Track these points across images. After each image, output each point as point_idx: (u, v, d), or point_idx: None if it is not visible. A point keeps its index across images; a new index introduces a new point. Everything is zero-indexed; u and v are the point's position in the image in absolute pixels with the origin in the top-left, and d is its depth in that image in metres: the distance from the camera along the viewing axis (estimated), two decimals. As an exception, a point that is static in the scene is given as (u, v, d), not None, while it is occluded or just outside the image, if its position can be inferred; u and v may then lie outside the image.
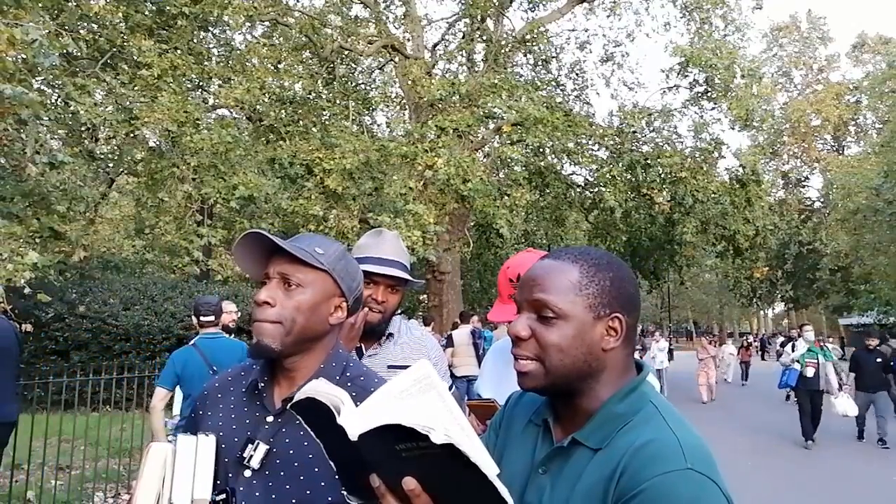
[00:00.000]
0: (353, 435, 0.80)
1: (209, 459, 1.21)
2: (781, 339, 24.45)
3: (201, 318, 4.28)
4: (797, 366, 9.06)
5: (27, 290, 6.37)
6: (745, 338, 24.43)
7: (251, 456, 1.21)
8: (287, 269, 1.25)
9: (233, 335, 5.23)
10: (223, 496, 1.19)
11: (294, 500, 1.20)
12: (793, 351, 9.23)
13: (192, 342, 4.27)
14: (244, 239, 1.27)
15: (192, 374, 4.01)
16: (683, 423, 0.95)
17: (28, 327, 6.75)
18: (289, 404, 0.92)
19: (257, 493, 1.20)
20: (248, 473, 1.22)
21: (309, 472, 1.20)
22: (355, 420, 0.81)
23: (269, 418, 1.26)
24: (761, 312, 54.38)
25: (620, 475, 0.88)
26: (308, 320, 1.25)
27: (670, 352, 21.05)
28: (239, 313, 5.67)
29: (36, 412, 6.09)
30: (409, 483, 0.83)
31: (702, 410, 12.95)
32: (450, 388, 2.16)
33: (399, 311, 2.10)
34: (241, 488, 1.21)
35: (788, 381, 9.20)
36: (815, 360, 8.98)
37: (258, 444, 1.22)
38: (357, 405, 0.86)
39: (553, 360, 0.97)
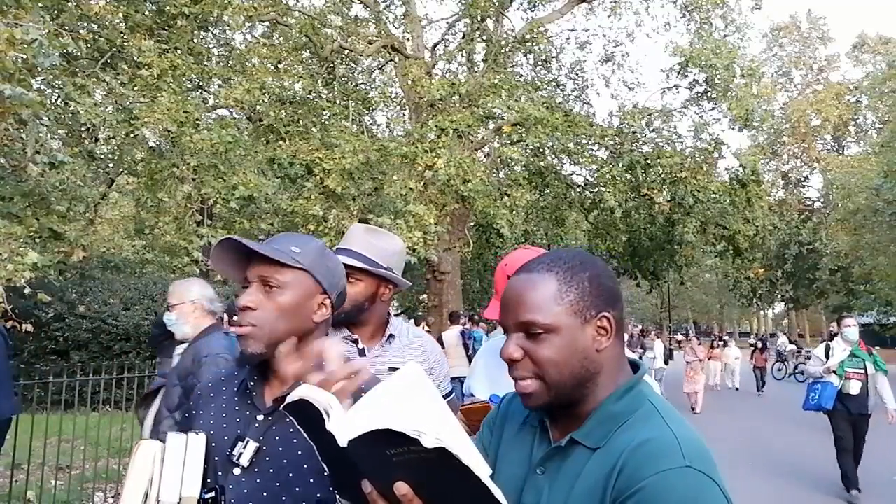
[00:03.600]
0: (343, 441, 0.79)
1: (198, 458, 1.22)
2: (782, 339, 24.09)
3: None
4: (834, 378, 6.16)
5: (27, 290, 6.37)
6: (758, 339, 20.79)
7: (241, 454, 1.21)
8: (265, 271, 1.24)
9: None
10: (212, 494, 1.19)
11: (284, 498, 1.20)
12: (827, 357, 6.34)
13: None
14: (220, 246, 1.26)
15: None
16: (681, 421, 0.96)
17: (28, 327, 6.74)
18: (282, 405, 0.92)
19: (246, 491, 1.21)
20: (237, 471, 1.22)
21: (298, 470, 1.21)
22: (345, 426, 0.81)
23: (260, 417, 1.26)
24: (761, 312, 54.40)
25: (619, 473, 0.88)
26: (291, 321, 1.25)
27: (670, 352, 20.36)
28: None
29: (36, 412, 6.09)
30: (402, 488, 0.83)
31: (702, 429, 9.71)
32: (450, 394, 2.15)
33: (399, 312, 2.10)
34: (231, 486, 1.21)
35: (821, 401, 6.20)
36: (862, 370, 6.12)
37: (248, 442, 1.22)
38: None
39: (551, 375, 0.96)
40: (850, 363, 6.18)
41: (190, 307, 2.83)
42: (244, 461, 1.21)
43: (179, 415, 2.52)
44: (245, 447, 1.22)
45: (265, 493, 1.20)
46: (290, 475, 1.20)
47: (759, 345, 18.52)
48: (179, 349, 2.69)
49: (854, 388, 6.10)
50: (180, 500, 1.16)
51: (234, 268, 1.29)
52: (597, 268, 1.01)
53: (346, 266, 1.97)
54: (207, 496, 1.19)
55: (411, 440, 0.76)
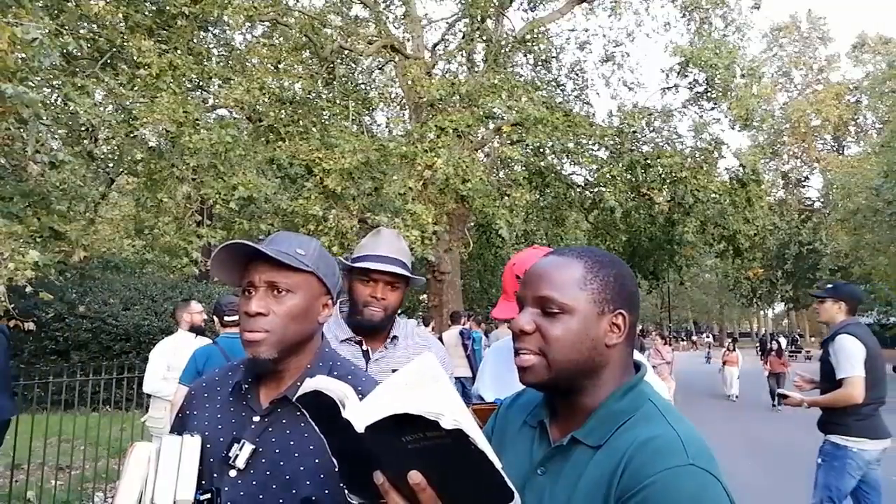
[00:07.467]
0: (360, 427, 0.80)
1: (193, 460, 1.21)
2: (783, 339, 23.84)
3: (225, 319, 4.24)
4: None
5: (28, 290, 6.37)
6: (773, 340, 17.43)
7: (236, 456, 1.21)
8: (274, 275, 1.22)
9: (197, 336, 5.18)
10: (208, 496, 1.19)
11: (281, 501, 1.20)
12: None
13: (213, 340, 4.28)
14: (222, 251, 1.24)
15: None
16: (682, 419, 0.97)
17: (31, 326, 6.74)
18: (294, 398, 0.92)
19: (242, 493, 1.20)
20: (233, 473, 1.21)
21: (295, 471, 1.20)
22: (361, 413, 0.82)
23: (256, 418, 1.25)
24: (761, 312, 54.41)
25: (623, 472, 0.89)
26: (301, 324, 1.25)
27: (669, 352, 19.93)
28: (203, 314, 5.56)
29: (36, 412, 6.09)
30: (415, 477, 0.83)
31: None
32: None
33: (399, 312, 2.11)
34: (227, 488, 1.21)
35: None
36: None
37: (244, 443, 1.22)
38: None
39: (556, 355, 0.97)
40: None
41: None
42: (240, 463, 1.21)
43: None
44: (241, 449, 1.21)
45: (261, 496, 1.20)
46: (287, 477, 1.20)
47: (777, 348, 15.09)
48: None
49: None
50: (175, 502, 1.16)
51: (233, 272, 1.28)
52: (623, 269, 1.04)
53: (390, 274, 1.96)
54: (203, 498, 1.18)
55: (428, 424, 0.77)
